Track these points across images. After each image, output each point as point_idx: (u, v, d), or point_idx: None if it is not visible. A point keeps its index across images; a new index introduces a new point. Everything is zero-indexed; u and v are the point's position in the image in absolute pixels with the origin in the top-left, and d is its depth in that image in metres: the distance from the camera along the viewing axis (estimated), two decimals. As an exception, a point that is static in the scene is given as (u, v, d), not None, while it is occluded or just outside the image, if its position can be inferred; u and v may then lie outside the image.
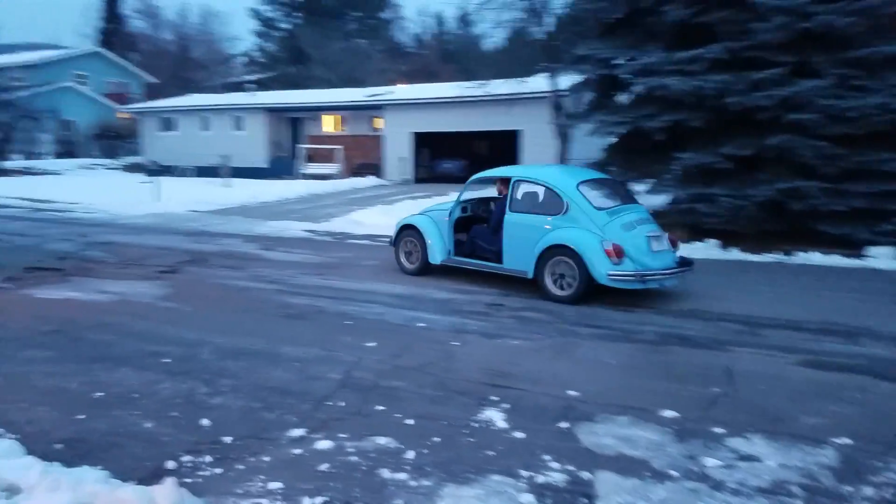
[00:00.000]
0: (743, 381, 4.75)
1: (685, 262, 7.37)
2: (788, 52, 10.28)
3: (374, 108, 26.15)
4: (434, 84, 30.19)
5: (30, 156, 31.60)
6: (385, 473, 3.37)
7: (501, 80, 18.86)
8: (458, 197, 8.48)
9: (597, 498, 3.16)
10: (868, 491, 3.25)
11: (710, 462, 3.52)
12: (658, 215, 12.59)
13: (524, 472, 3.37)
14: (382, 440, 3.73)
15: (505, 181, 7.94)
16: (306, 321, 6.38)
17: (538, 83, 18.27)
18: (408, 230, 8.65)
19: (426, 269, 8.45)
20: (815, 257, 9.82)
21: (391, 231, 9.18)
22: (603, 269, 6.68)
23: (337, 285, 7.97)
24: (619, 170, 12.77)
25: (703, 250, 10.31)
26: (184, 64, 48.87)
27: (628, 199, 7.79)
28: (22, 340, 5.50)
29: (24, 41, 44.49)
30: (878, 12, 10.03)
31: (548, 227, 7.17)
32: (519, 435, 3.81)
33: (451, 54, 54.33)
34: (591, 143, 15.46)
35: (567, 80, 17.02)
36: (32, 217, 14.85)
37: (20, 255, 9.72)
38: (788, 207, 10.41)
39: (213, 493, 3.16)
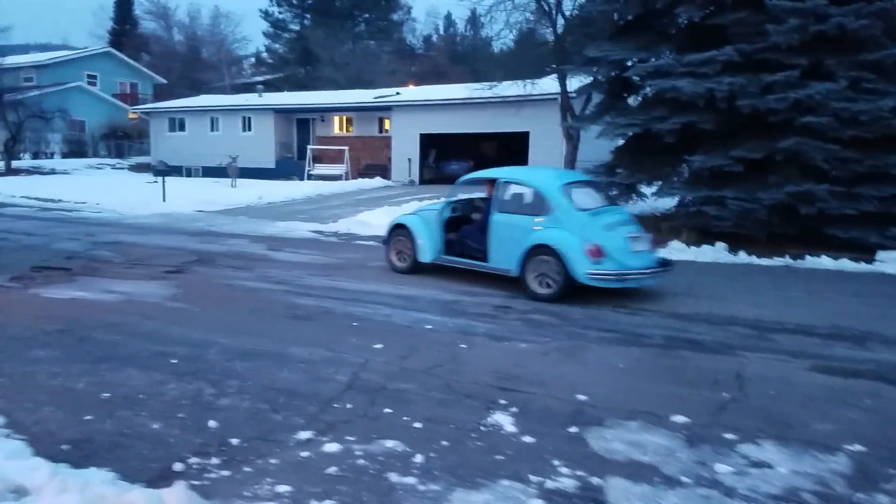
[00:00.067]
0: (753, 386, 4.70)
1: (665, 263, 7.55)
2: (801, 55, 10.22)
3: (382, 110, 26.16)
4: (442, 85, 30.19)
5: (39, 155, 31.81)
6: (393, 477, 3.34)
7: (510, 82, 18.81)
8: (448, 197, 8.69)
9: (607, 504, 3.13)
10: (882, 499, 3.21)
11: (722, 468, 3.47)
12: (666, 218, 12.60)
13: (534, 478, 3.34)
14: (390, 443, 3.70)
15: (492, 182, 8.11)
16: (313, 322, 6.36)
17: (547, 85, 18.22)
18: (399, 230, 8.83)
19: (416, 268, 8.61)
20: (825, 261, 9.75)
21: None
22: (583, 269, 6.86)
23: (344, 286, 7.96)
24: (627, 172, 12.75)
25: (712, 253, 10.25)
26: (193, 65, 49.09)
27: (610, 201, 8.02)
28: (29, 340, 5.50)
29: (36, 41, 44.84)
30: (893, 15, 9.96)
31: (532, 227, 7.34)
32: (528, 439, 3.77)
33: (460, 56, 54.39)
34: (599, 145, 15.42)
35: (576, 82, 17.00)
36: (40, 216, 14.92)
37: (28, 254, 9.75)
38: (798, 211, 10.34)
39: (221, 495, 3.14)
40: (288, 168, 26.92)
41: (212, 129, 29.37)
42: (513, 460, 3.53)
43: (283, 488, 3.23)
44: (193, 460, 3.47)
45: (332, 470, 3.41)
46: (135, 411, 4.08)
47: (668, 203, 12.88)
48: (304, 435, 3.80)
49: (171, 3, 69.03)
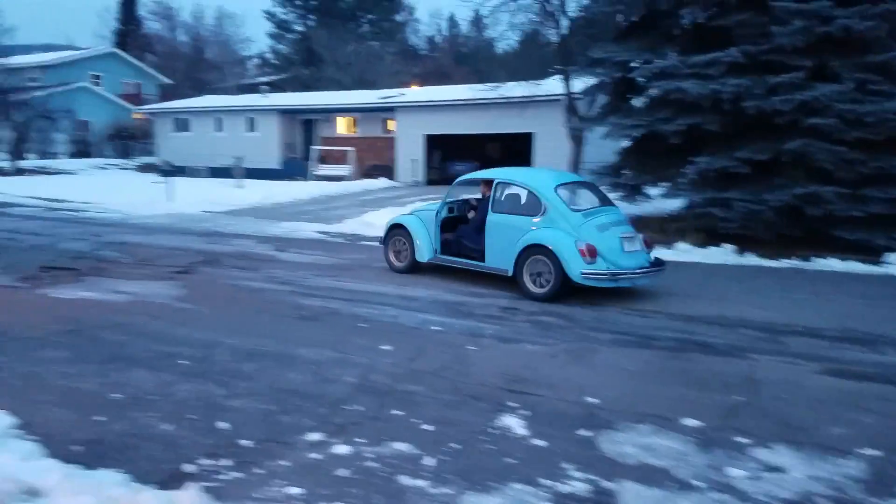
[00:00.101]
0: (764, 390, 4.68)
1: (658, 263, 7.64)
2: (807, 56, 10.20)
3: (387, 110, 26.17)
4: (446, 86, 30.19)
5: (45, 155, 31.84)
6: (404, 480, 3.34)
7: (514, 83, 18.79)
8: (445, 198, 8.74)
9: (620, 508, 3.12)
10: (898, 504, 3.19)
11: (735, 472, 3.46)
12: (672, 219, 12.57)
13: (546, 481, 3.33)
14: (400, 446, 3.70)
15: (488, 183, 8.19)
16: (320, 323, 6.36)
17: (551, 86, 18.20)
18: (397, 230, 8.92)
19: (415, 268, 8.72)
20: (833, 263, 9.72)
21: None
22: (577, 268, 6.97)
23: (350, 287, 7.96)
24: (632, 173, 12.73)
25: (719, 255, 10.23)
26: (198, 65, 49.13)
27: (604, 201, 8.07)
28: (38, 340, 5.51)
29: (41, 42, 44.90)
30: (899, 16, 9.92)
31: (527, 227, 7.46)
32: (539, 442, 3.76)
33: (464, 56, 54.42)
34: (604, 146, 15.40)
35: (581, 83, 16.96)
36: (47, 216, 14.94)
37: (35, 254, 9.77)
38: (805, 213, 10.30)
39: (232, 498, 3.13)
40: (293, 168, 26.94)
41: (216, 130, 29.40)
42: (524, 463, 3.52)
43: (294, 490, 3.22)
44: (204, 462, 3.47)
45: (342, 472, 3.41)
46: (145, 412, 4.08)
47: (675, 204, 12.85)
48: (314, 437, 3.80)
49: (175, 3, 69.33)
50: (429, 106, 25.01)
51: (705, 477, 3.41)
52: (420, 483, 3.31)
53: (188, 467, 3.41)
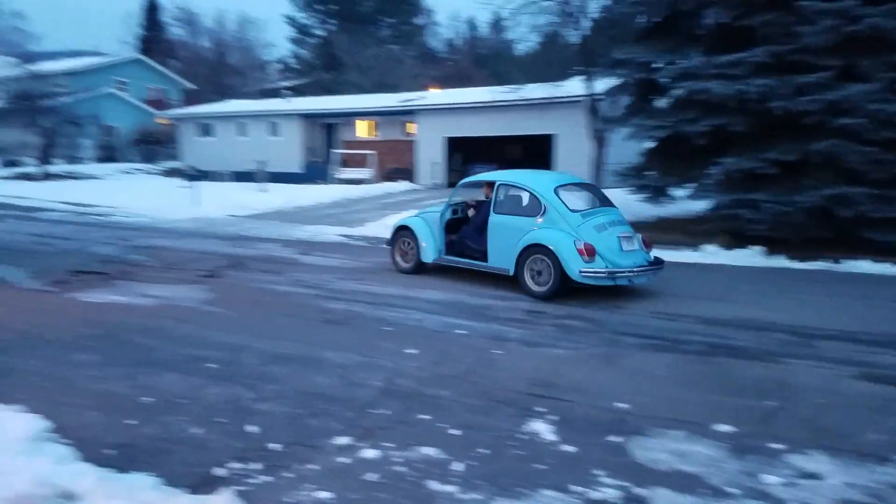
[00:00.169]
0: (798, 395, 4.59)
1: (657, 262, 7.81)
2: (835, 56, 10.02)
3: (407, 114, 26.23)
4: (466, 89, 30.19)
5: (72, 160, 32.39)
6: (433, 485, 3.32)
7: (535, 85, 18.72)
8: (449, 199, 8.96)
9: (653, 516, 3.07)
10: (941, 514, 3.10)
11: (771, 479, 3.40)
12: (699, 221, 12.42)
13: (576, 488, 3.29)
14: (428, 450, 3.68)
15: (490, 185, 8.40)
16: (346, 326, 6.37)
17: (573, 87, 18.09)
18: (403, 231, 9.14)
19: (419, 268, 8.92)
20: (864, 265, 9.53)
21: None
22: (576, 267, 7.15)
23: (373, 290, 7.97)
24: (657, 174, 12.60)
25: (748, 257, 10.09)
26: (221, 70, 49.66)
27: (604, 202, 8.24)
28: (70, 344, 5.59)
29: (67, 48, 45.72)
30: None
31: (527, 227, 7.65)
32: (568, 448, 3.73)
33: (484, 59, 54.38)
34: (627, 147, 15.26)
35: (603, 84, 16.85)
36: (76, 221, 15.19)
37: (65, 258, 9.93)
38: (836, 214, 10.12)
39: (263, 502, 3.15)
40: (315, 172, 27.11)
41: (240, 135, 29.70)
42: (554, 470, 3.49)
43: (323, 495, 3.23)
44: (235, 465, 3.49)
45: (371, 476, 3.41)
46: (175, 416, 4.11)
47: (700, 206, 12.69)
48: (343, 440, 3.80)
49: (198, 9, 70.23)
50: (449, 109, 25.03)
51: (739, 484, 3.36)
52: (449, 488, 3.30)
53: (219, 471, 3.43)
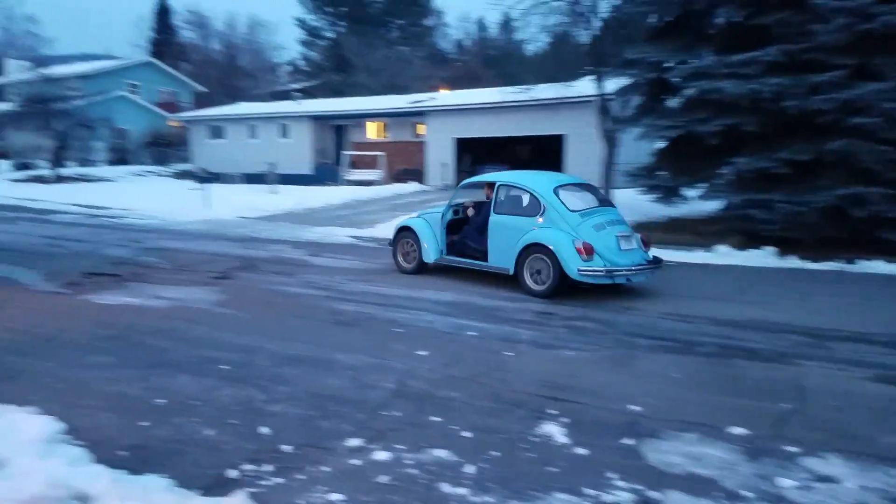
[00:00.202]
0: (813, 397, 4.55)
1: (655, 261, 7.91)
2: (849, 54, 9.94)
3: (417, 115, 26.25)
4: (476, 90, 30.17)
5: (84, 163, 32.65)
6: (445, 488, 3.31)
7: (545, 85, 18.68)
8: (450, 200, 9.07)
9: (667, 519, 3.05)
10: (960, 519, 3.06)
11: (786, 483, 3.36)
12: (711, 221, 12.35)
13: (590, 491, 3.27)
14: (440, 453, 3.68)
15: (491, 186, 8.52)
16: (357, 328, 6.38)
17: (583, 87, 18.03)
18: (405, 232, 9.25)
19: (422, 269, 9.03)
20: (879, 266, 9.44)
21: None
22: (574, 266, 7.26)
23: (384, 292, 7.98)
24: (668, 174, 12.53)
25: (760, 258, 10.01)
26: (231, 73, 49.93)
27: (603, 202, 8.38)
28: (84, 346, 5.63)
29: (80, 52, 46.13)
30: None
31: (527, 227, 7.78)
32: (581, 451, 3.70)
33: (493, 59, 54.34)
34: (637, 147, 15.21)
35: (613, 84, 16.78)
36: (88, 223, 15.30)
37: (78, 260, 10.00)
38: (850, 214, 10.02)
39: (275, 503, 3.15)
40: (324, 174, 27.18)
41: (250, 137, 29.85)
42: (567, 473, 3.47)
43: (336, 497, 3.23)
44: (247, 467, 3.50)
45: (383, 479, 3.40)
46: (188, 417, 4.13)
47: (712, 206, 12.61)
48: (354, 442, 3.80)
49: (208, 12, 70.57)
50: (458, 109, 25.03)
51: (755, 487, 3.32)
52: (461, 491, 3.28)
53: (231, 472, 3.44)
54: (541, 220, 7.72)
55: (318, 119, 28.76)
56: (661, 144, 13.54)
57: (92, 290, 7.89)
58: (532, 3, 15.80)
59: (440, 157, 25.02)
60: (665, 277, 9.06)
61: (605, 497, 3.22)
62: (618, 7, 16.07)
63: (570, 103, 19.80)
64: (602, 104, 16.24)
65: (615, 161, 16.09)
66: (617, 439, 3.85)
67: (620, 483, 3.34)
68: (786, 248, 10.20)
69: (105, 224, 15.15)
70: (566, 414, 4.20)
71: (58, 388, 4.62)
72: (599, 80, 16.06)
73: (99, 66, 40.05)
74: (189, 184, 23.41)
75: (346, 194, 21.21)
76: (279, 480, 3.38)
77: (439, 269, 9.17)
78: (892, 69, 9.70)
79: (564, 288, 7.46)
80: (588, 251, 7.26)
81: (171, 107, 40.04)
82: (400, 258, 9.28)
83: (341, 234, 13.45)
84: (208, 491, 3.23)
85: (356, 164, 26.87)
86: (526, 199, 7.99)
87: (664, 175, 12.62)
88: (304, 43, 55.64)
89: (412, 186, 24.24)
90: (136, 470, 3.35)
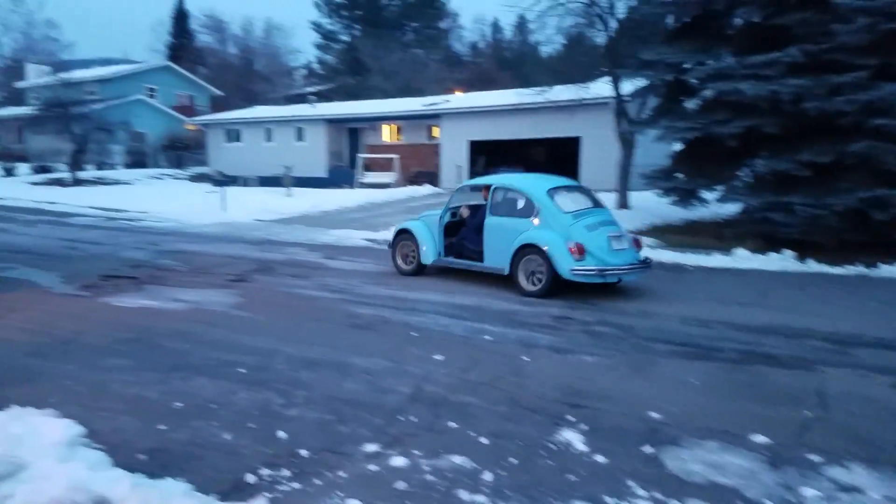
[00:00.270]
0: (836, 404, 4.47)
1: (645, 261, 8.12)
2: (871, 55, 9.79)
3: (431, 117, 26.28)
4: (491, 92, 30.15)
5: (102, 166, 33.02)
6: (463, 495, 3.29)
7: (561, 87, 18.60)
8: (448, 203, 9.23)
9: (689, 529, 3.00)
10: None
11: (809, 492, 3.30)
12: (729, 224, 12.22)
13: (610, 499, 3.23)
14: (457, 459, 3.65)
15: (487, 188, 8.70)
16: (373, 332, 6.37)
17: (599, 89, 17.96)
18: (403, 234, 9.39)
19: (420, 270, 9.17)
20: (902, 270, 9.27)
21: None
22: (567, 265, 7.45)
23: (400, 295, 7.97)
24: (686, 177, 12.42)
25: (779, 262, 9.88)
26: (248, 76, 50.33)
27: (595, 203, 8.46)
28: (102, 348, 5.67)
29: (98, 56, 46.76)
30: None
31: (521, 228, 7.96)
32: (600, 459, 3.66)
33: (507, 61, 54.29)
34: (654, 149, 15.10)
35: (630, 86, 16.69)
36: (106, 226, 15.46)
37: (96, 263, 10.10)
38: (871, 217, 9.86)
39: (294, 510, 3.15)
40: (339, 177, 27.28)
41: (266, 140, 30.05)
42: (586, 481, 3.43)
43: (353, 503, 3.21)
44: (265, 472, 3.50)
45: (400, 485, 3.39)
46: (207, 421, 4.14)
47: (731, 209, 12.47)
48: (371, 448, 3.79)
49: (225, 16, 71.20)
50: (473, 112, 25.02)
51: (778, 497, 3.27)
52: (479, 498, 3.26)
53: (250, 477, 3.44)
54: (535, 221, 7.90)
55: (333, 122, 28.87)
56: (678, 146, 13.44)
57: (110, 292, 7.96)
58: (548, 5, 15.80)
59: (455, 159, 25.02)
60: (684, 281, 8.99)
61: (626, 506, 3.18)
62: (634, 8, 16.01)
63: (586, 105, 19.69)
64: (618, 106, 16.17)
65: (632, 163, 16.01)
66: (637, 447, 3.81)
67: (641, 492, 3.30)
68: (806, 251, 10.06)
69: (122, 227, 15.30)
70: (585, 420, 4.16)
71: (77, 390, 4.66)
72: (616, 81, 15.99)
73: (117, 71, 40.53)
74: (205, 187, 23.58)
75: (360, 197, 21.25)
76: (297, 485, 3.37)
77: (439, 271, 9.28)
78: (916, 70, 9.55)
79: (558, 288, 7.63)
80: (580, 251, 7.44)
81: (189, 110, 40.40)
82: (399, 260, 9.41)
83: (356, 237, 13.46)
84: (227, 496, 3.23)
85: (371, 166, 26.94)
86: (520, 202, 8.16)
87: (681, 177, 12.51)
88: (320, 46, 56.00)
89: (426, 189, 24.23)
90: (155, 474, 3.36)
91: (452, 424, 4.13)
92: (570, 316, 6.95)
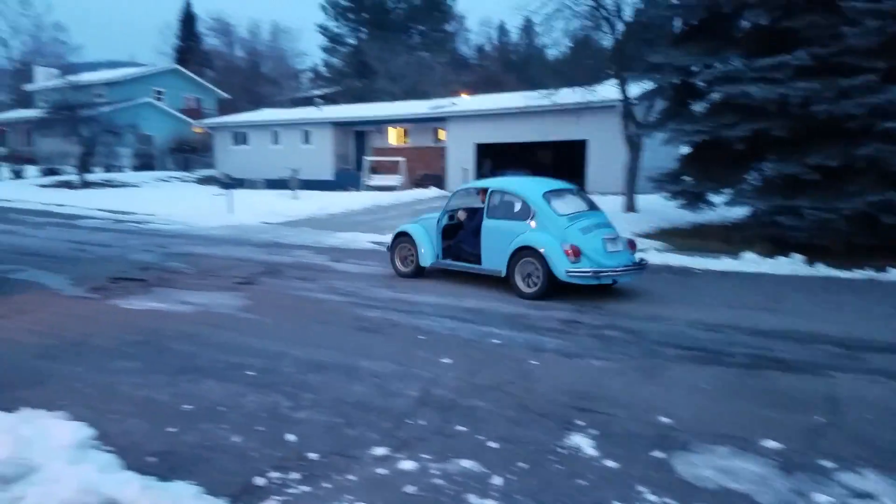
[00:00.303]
0: (848, 410, 4.44)
1: (640, 263, 8.20)
2: (880, 58, 9.75)
3: (438, 120, 26.30)
4: (497, 94, 30.15)
5: (110, 169, 33.16)
6: (472, 499, 3.28)
7: (568, 90, 18.59)
8: (445, 206, 9.35)
9: (701, 535, 2.98)
10: None
11: (822, 499, 3.28)
12: (737, 228, 12.17)
13: (620, 504, 3.21)
14: (466, 463, 3.64)
15: (484, 191, 8.84)
16: (380, 335, 6.37)
17: (606, 91, 17.93)
18: (402, 237, 9.49)
19: (419, 272, 9.27)
20: (912, 274, 9.22)
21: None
22: (562, 267, 7.55)
23: (407, 298, 7.97)
24: (694, 180, 12.39)
25: (788, 266, 9.84)
26: (254, 79, 50.51)
27: (590, 206, 8.59)
28: (111, 350, 5.69)
29: (106, 59, 46.99)
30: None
31: (517, 231, 8.06)
32: (610, 464, 3.64)
33: (514, 64, 54.29)
34: (662, 151, 15.08)
35: (637, 88, 16.66)
36: (114, 228, 15.53)
37: (104, 265, 10.13)
38: (881, 221, 9.81)
39: (303, 513, 3.14)
40: (345, 179, 27.32)
41: (273, 143, 30.13)
42: (596, 486, 3.41)
43: (363, 507, 3.20)
44: (274, 475, 3.50)
45: (409, 489, 3.38)
46: (215, 423, 4.14)
47: (739, 212, 12.42)
48: (380, 451, 3.78)
49: (232, 20, 71.49)
50: (479, 115, 25.02)
51: (789, 503, 3.24)
52: (489, 503, 3.24)
53: (259, 480, 3.44)
54: (531, 224, 8.01)
55: (340, 125, 28.92)
56: (686, 149, 13.40)
57: (119, 294, 7.98)
58: (555, 8, 15.79)
59: (461, 162, 25.02)
60: (692, 285, 8.95)
61: (637, 511, 3.16)
62: (641, 11, 15.98)
63: (593, 108, 19.65)
64: (625, 109, 16.14)
65: (639, 166, 15.97)
66: (647, 452, 3.78)
67: (651, 497, 3.28)
68: (815, 255, 10.02)
69: (131, 229, 15.35)
70: (594, 425, 4.14)
71: (86, 392, 4.67)
72: (622, 84, 15.96)
73: (125, 74, 40.75)
74: (213, 189, 23.67)
75: (366, 199, 21.28)
76: (306, 489, 3.37)
77: (439, 274, 9.36)
78: (926, 73, 9.50)
79: (554, 289, 7.71)
80: (576, 253, 7.53)
81: (196, 113, 40.56)
82: (398, 262, 9.50)
83: (363, 240, 13.47)
84: (236, 499, 3.23)
85: (377, 169, 26.98)
86: (517, 205, 8.25)
87: (689, 181, 12.48)
88: (326, 49, 56.09)
89: (433, 192, 24.25)
90: (164, 476, 3.36)
91: (461, 428, 4.12)
92: (578, 320, 6.93)
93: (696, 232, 12.89)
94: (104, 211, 19.18)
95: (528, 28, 56.24)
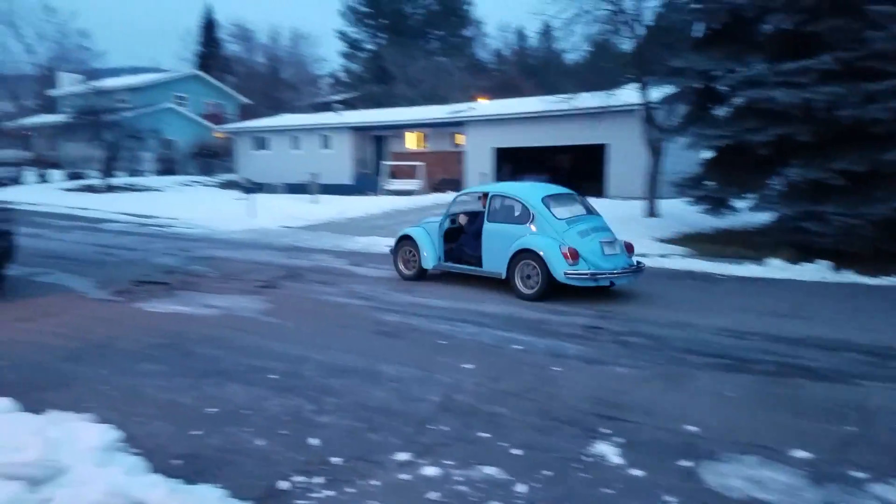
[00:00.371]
0: (878, 419, 4.35)
1: (637, 266, 8.35)
2: (907, 62, 9.57)
3: (456, 125, 26.32)
4: (516, 99, 30.12)
5: (133, 173, 33.58)
6: (497, 507, 3.25)
7: (588, 94, 18.49)
8: (447, 210, 9.51)
9: (731, 546, 2.93)
10: None
11: (854, 511, 3.21)
12: (761, 233, 12.01)
13: (648, 514, 3.17)
14: (490, 470, 3.62)
15: (485, 195, 9.03)
16: (401, 339, 6.37)
17: (626, 96, 17.82)
18: (405, 240, 9.64)
19: (421, 275, 9.41)
20: (941, 281, 9.03)
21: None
22: (560, 269, 7.74)
23: (426, 302, 7.97)
24: (717, 185, 12.25)
25: (814, 272, 9.68)
26: (275, 85, 50.92)
27: (588, 210, 8.79)
28: (136, 353, 5.74)
29: (129, 65, 47.66)
30: None
31: (517, 234, 8.27)
32: (636, 472, 3.60)
33: (532, 69, 54.19)
34: (684, 156, 14.95)
35: (658, 93, 16.54)
36: (138, 232, 15.70)
37: (129, 268, 10.25)
38: (909, 227, 9.63)
39: (328, 518, 3.14)
40: (364, 184, 27.44)
41: (293, 148, 30.35)
42: (622, 495, 3.38)
43: (387, 512, 3.20)
44: (298, 479, 3.50)
45: (433, 495, 3.37)
46: (239, 427, 4.16)
47: (762, 218, 12.26)
48: (403, 456, 3.77)
49: (252, 26, 72.20)
50: (497, 119, 25.00)
51: (822, 515, 3.18)
52: (514, 510, 3.22)
53: (283, 484, 3.45)
54: (531, 227, 8.22)
55: (359, 130, 29.07)
56: (708, 154, 13.26)
57: (143, 298, 8.07)
58: (574, 13, 15.73)
59: (479, 166, 25.01)
60: (715, 291, 8.85)
61: (664, 521, 3.12)
62: (662, 15, 15.88)
63: (613, 112, 19.51)
64: (646, 113, 16.02)
65: (660, 171, 15.84)
66: (674, 461, 3.73)
67: (679, 507, 3.24)
68: (841, 262, 9.85)
69: (154, 233, 15.53)
70: (620, 433, 4.09)
71: (112, 395, 4.71)
72: (644, 88, 15.85)
73: (147, 79, 41.28)
74: (234, 194, 23.87)
75: (385, 204, 21.33)
76: (330, 493, 3.37)
77: (439, 277, 9.50)
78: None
79: (552, 291, 7.89)
80: (573, 256, 7.72)
81: (217, 118, 40.99)
82: (401, 265, 9.65)
83: (382, 244, 13.43)
84: (261, 502, 3.24)
85: (395, 173, 27.05)
86: (517, 209, 8.47)
87: (712, 185, 12.34)
88: (346, 55, 56.41)
89: (451, 196, 24.22)
90: (190, 479, 3.38)
91: (484, 435, 4.10)
92: (601, 326, 6.88)
93: (718, 237, 12.75)
94: (128, 215, 19.41)
95: (546, 32, 56.11)
